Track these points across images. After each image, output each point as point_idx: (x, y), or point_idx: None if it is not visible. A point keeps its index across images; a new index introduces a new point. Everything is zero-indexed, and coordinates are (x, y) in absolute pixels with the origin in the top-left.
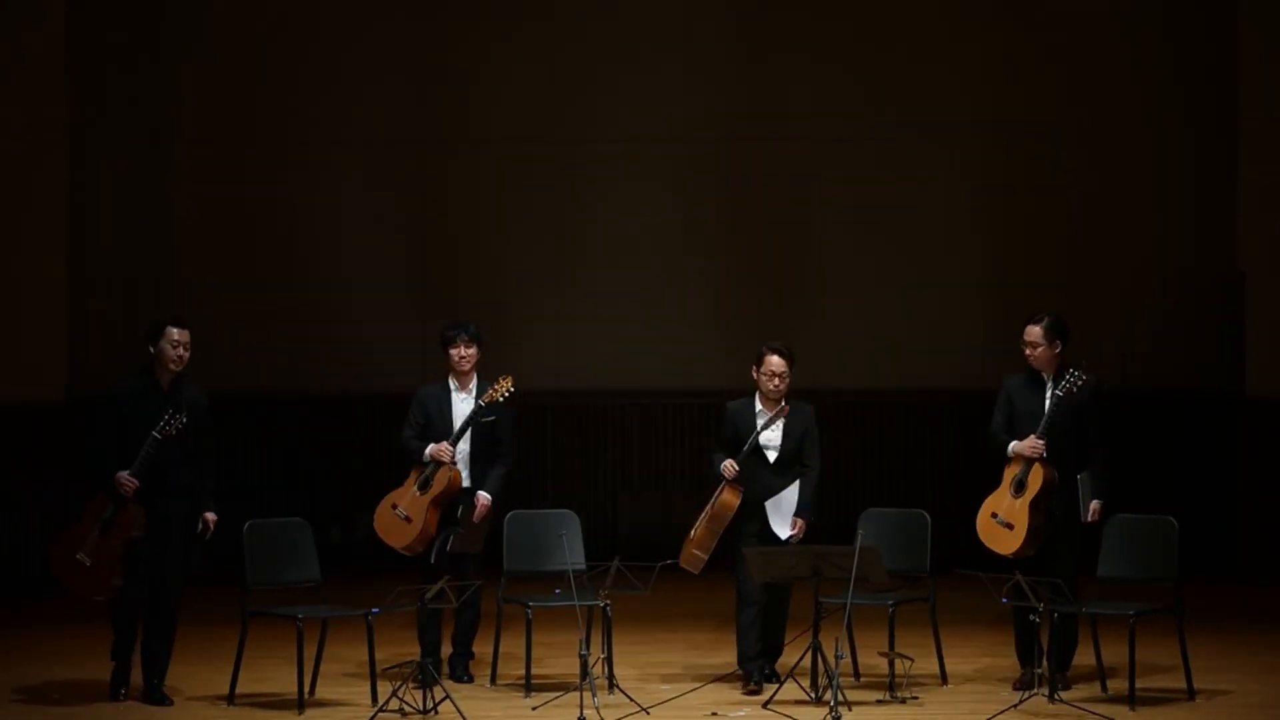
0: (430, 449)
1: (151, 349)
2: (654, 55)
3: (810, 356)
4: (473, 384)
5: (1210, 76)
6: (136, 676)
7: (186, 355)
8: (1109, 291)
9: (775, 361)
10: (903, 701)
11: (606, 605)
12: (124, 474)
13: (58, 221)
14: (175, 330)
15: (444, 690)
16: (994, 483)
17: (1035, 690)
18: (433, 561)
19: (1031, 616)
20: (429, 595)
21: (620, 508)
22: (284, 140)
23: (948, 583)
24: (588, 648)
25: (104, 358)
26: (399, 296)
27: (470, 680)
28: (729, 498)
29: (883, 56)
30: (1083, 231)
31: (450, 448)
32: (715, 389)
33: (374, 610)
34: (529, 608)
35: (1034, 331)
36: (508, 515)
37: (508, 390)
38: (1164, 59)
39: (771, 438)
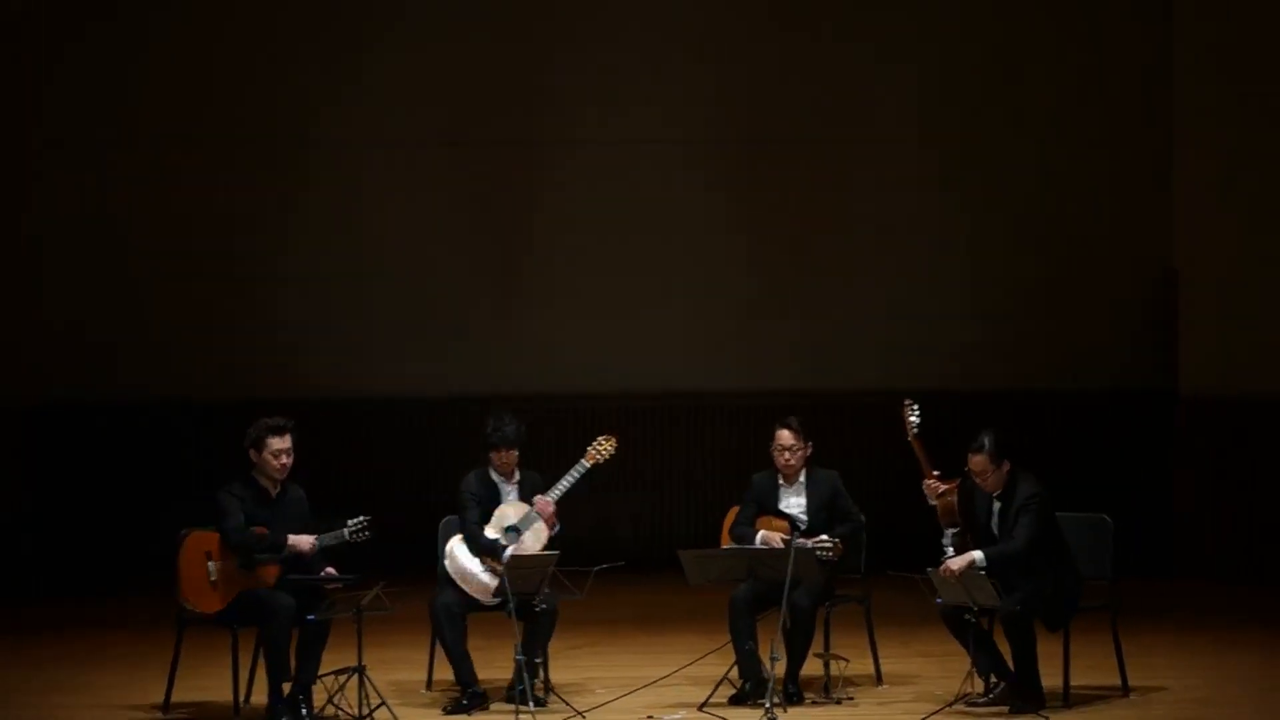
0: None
1: (254, 457)
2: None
3: (755, 359)
4: (517, 477)
5: (1144, 77)
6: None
7: (290, 461)
8: (1042, 292)
9: (783, 435)
10: (838, 702)
11: (544, 608)
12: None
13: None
14: (276, 439)
15: (379, 696)
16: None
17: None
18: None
19: (966, 616)
20: (364, 601)
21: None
22: (237, 138)
23: (882, 584)
24: (524, 652)
25: (58, 361)
26: (341, 299)
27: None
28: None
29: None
30: (1016, 233)
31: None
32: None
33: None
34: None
35: (978, 460)
36: (443, 520)
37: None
38: (1099, 59)
39: (797, 509)
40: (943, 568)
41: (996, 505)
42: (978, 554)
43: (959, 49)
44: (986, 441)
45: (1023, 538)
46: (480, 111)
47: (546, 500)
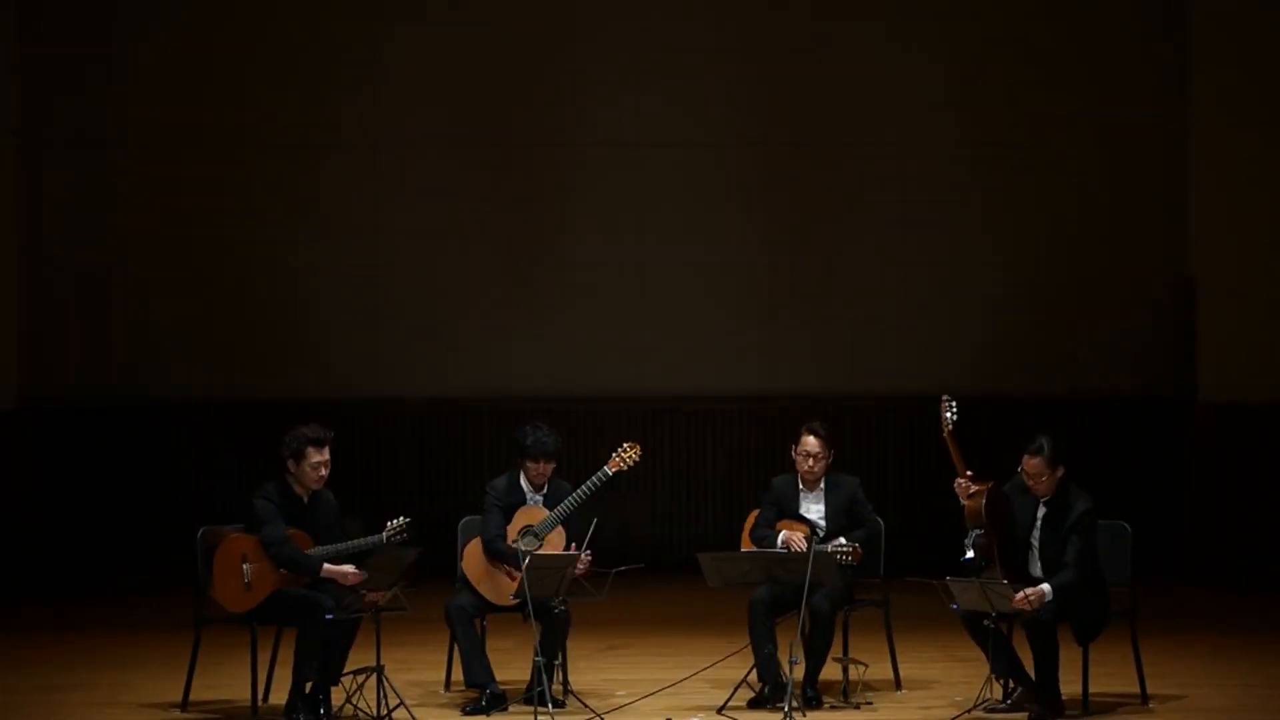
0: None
1: (291, 467)
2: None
3: (773, 362)
4: (545, 488)
5: (1164, 84)
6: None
7: (327, 473)
8: (1061, 298)
9: (810, 442)
10: (856, 707)
11: (561, 610)
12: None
13: (8, 226)
14: (315, 452)
15: (398, 696)
16: (946, 486)
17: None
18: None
19: (986, 622)
20: (383, 601)
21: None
22: (251, 138)
23: (901, 588)
24: (542, 654)
25: (56, 362)
26: (354, 299)
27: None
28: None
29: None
30: (1034, 239)
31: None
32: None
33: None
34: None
35: (1035, 463)
36: (462, 520)
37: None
38: (1118, 68)
39: (816, 514)
40: (1021, 596)
41: (1042, 511)
42: (1046, 587)
43: (979, 55)
44: (1045, 445)
45: (1081, 561)
46: (497, 113)
47: (587, 558)
